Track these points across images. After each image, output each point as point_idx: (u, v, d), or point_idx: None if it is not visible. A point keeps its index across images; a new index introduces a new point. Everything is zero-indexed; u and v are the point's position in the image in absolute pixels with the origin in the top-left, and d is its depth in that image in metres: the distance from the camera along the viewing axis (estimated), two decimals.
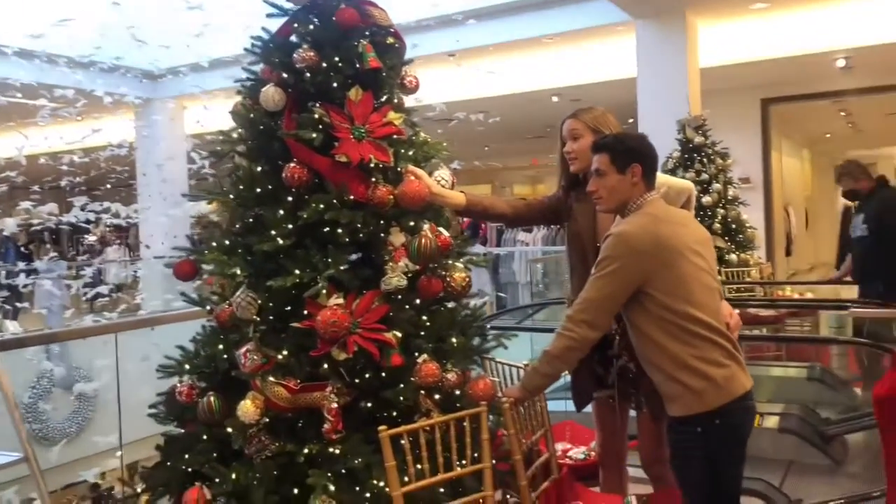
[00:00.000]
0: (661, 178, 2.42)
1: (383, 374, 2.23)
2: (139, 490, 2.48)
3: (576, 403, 2.66)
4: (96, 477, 6.40)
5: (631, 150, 2.25)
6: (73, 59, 6.37)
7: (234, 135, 2.45)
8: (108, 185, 7.98)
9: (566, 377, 2.68)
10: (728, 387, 2.11)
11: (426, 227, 2.30)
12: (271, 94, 2.31)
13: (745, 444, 2.21)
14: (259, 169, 2.37)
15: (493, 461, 2.23)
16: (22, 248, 11.23)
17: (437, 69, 7.63)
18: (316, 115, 2.26)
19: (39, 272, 7.45)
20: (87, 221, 6.80)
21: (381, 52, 2.37)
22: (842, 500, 3.72)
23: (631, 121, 6.80)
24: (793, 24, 7.23)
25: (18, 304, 7.88)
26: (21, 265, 8.16)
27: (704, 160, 6.29)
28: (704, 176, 6.25)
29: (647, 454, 2.61)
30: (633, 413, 2.68)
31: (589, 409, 2.73)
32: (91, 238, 10.23)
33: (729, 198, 6.43)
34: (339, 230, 2.24)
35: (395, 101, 2.45)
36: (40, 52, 6.27)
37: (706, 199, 6.20)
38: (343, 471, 2.15)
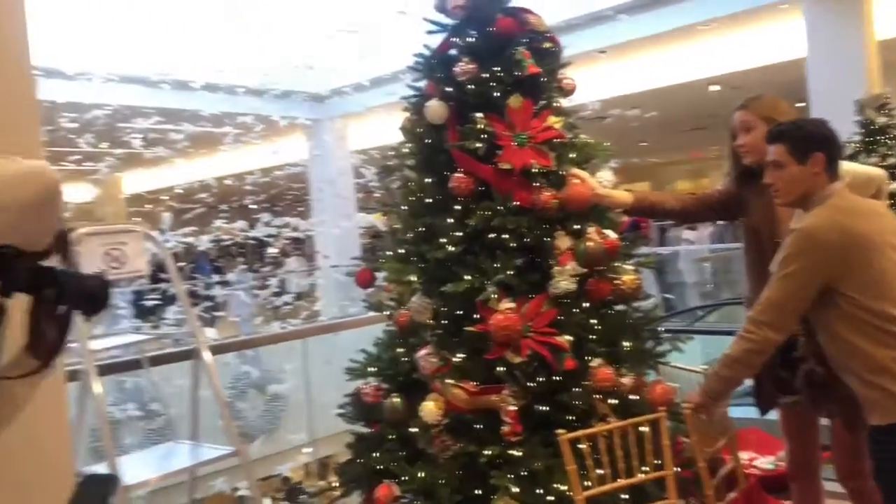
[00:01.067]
0: (845, 166, 2.23)
1: (557, 378, 2.26)
2: (334, 484, 2.67)
3: (759, 408, 2.52)
4: (289, 471, 6.91)
5: (811, 138, 2.09)
6: (250, 88, 6.95)
7: (405, 149, 2.57)
8: (287, 202, 8.58)
9: (749, 382, 2.54)
10: None
11: (591, 229, 2.30)
12: (435, 108, 2.40)
13: None
14: (427, 180, 2.48)
15: (676, 468, 2.17)
16: (215, 263, 12.40)
17: (589, 68, 7.52)
18: (478, 126, 2.33)
19: (231, 283, 8.16)
20: (269, 236, 7.36)
21: (539, 57, 2.40)
22: None
23: (801, 105, 6.34)
24: None
25: (215, 314, 8.69)
26: (215, 278, 8.98)
27: (889, 142, 5.72)
28: (891, 160, 5.68)
29: (842, 467, 2.40)
30: (825, 421, 2.50)
31: (775, 415, 2.57)
32: (273, 251, 11.05)
33: None
34: (506, 236, 2.29)
35: (554, 104, 2.47)
36: (223, 85, 6.91)
37: (894, 186, 5.64)
38: (524, 473, 2.19)
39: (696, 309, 6.14)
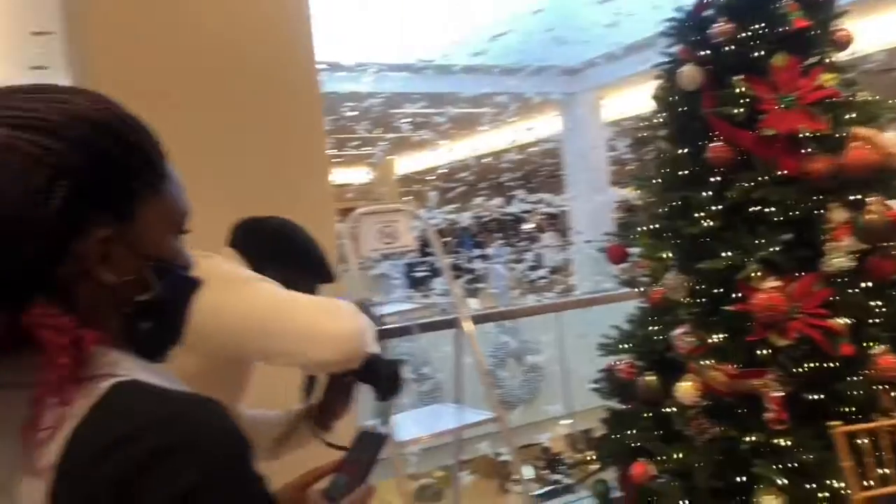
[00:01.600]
0: None
1: (830, 365, 2.05)
2: (589, 458, 2.70)
3: None
4: (548, 441, 7.10)
5: None
6: (505, 67, 7.13)
7: (656, 119, 2.49)
8: (541, 178, 8.70)
9: None
10: None
11: (873, 200, 2.03)
12: (689, 74, 2.28)
13: None
14: (681, 151, 2.37)
15: None
16: (475, 238, 13.01)
17: (871, 14, 6.54)
18: (737, 89, 2.17)
19: (490, 257, 8.51)
20: (525, 212, 7.54)
21: (808, 8, 2.17)
22: None
23: None
24: None
25: (476, 285, 9.13)
26: (476, 252, 9.42)
27: None
28: None
29: None
30: None
31: None
32: (528, 226, 11.29)
33: None
34: (770, 209, 2.12)
35: (827, 60, 2.22)
36: (481, 66, 7.16)
37: None
38: (792, 465, 2.04)
39: None
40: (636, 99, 7.55)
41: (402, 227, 2.69)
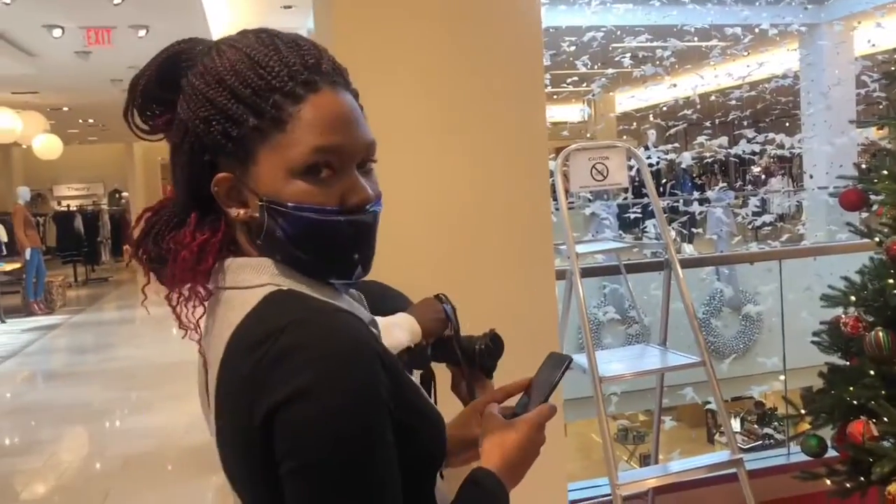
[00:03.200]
0: None
1: None
2: (802, 412, 2.58)
3: None
4: (760, 395, 6.75)
5: None
6: None
7: None
8: (773, 117, 8.04)
9: None
10: None
11: None
12: None
13: None
14: None
15: None
16: (696, 180, 12.40)
17: None
18: None
19: (710, 201, 8.08)
20: (753, 153, 7.04)
21: None
22: None
23: None
24: None
25: (693, 230, 8.75)
26: (695, 195, 9.00)
27: None
28: None
29: None
30: None
31: None
32: (756, 169, 10.53)
33: None
34: None
35: None
36: None
37: None
38: None
39: None
40: (892, 30, 6.64)
41: (614, 164, 2.67)
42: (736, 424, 9.69)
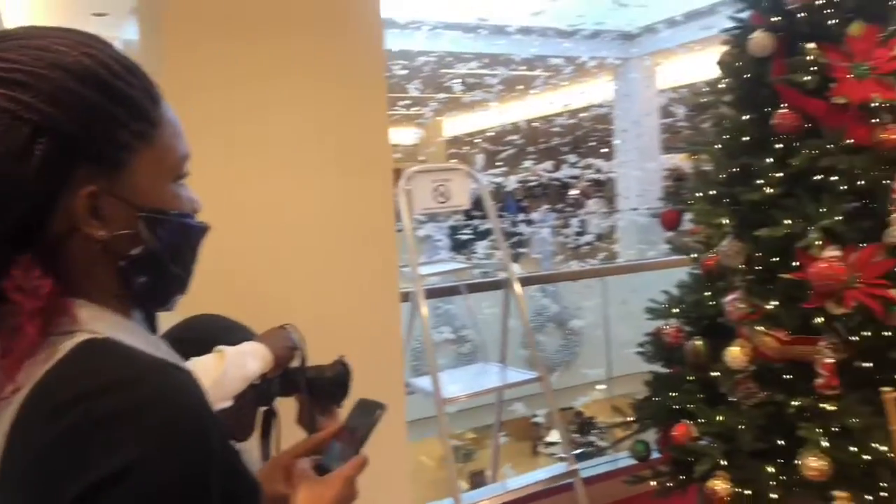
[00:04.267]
0: None
1: (885, 334, 2.06)
2: (630, 419, 2.74)
3: None
4: (583, 406, 7.15)
5: None
6: (561, 30, 7.04)
7: (721, 85, 2.47)
8: (591, 144, 8.62)
9: None
10: None
11: None
12: (760, 40, 2.26)
13: None
14: (745, 117, 2.36)
15: None
16: (520, 203, 12.98)
17: None
18: (809, 57, 2.15)
19: (535, 222, 8.50)
20: (572, 177, 7.51)
21: None
22: None
23: None
24: None
25: (519, 250, 9.14)
26: (521, 216, 9.41)
27: None
28: None
29: None
30: None
31: None
32: (574, 192, 11.22)
33: None
34: (834, 178, 2.11)
35: None
36: (536, 28, 7.08)
37: None
38: (836, 429, 2.07)
39: None
40: (695, 65, 7.40)
41: (456, 186, 2.73)
42: (557, 435, 10.11)
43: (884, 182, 2.07)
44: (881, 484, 2.02)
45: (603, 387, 6.40)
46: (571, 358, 7.28)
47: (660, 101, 8.24)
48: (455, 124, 12.65)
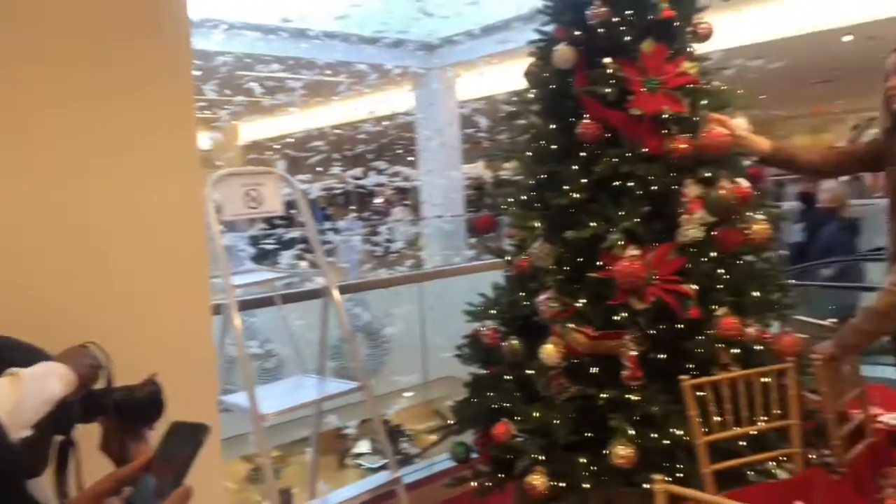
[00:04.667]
0: None
1: (679, 326, 2.25)
2: (450, 422, 2.77)
3: None
4: (394, 413, 7.18)
5: None
6: (365, 36, 7.05)
7: (529, 95, 2.57)
8: (397, 151, 8.72)
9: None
10: None
11: (723, 178, 2.25)
12: (563, 53, 2.39)
13: None
14: (552, 126, 2.47)
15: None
16: (325, 211, 12.83)
17: (711, 16, 7.16)
18: (609, 70, 2.30)
19: (341, 231, 8.43)
20: (379, 185, 7.53)
21: (674, 1, 2.33)
22: None
23: None
24: None
25: (327, 259, 9.00)
26: (327, 225, 9.29)
27: None
28: None
29: None
30: None
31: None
32: (379, 200, 11.29)
33: None
34: (632, 183, 2.27)
35: (689, 49, 2.41)
36: (340, 33, 7.03)
37: None
38: (641, 417, 2.22)
39: (816, 265, 5.88)
40: (494, 78, 7.75)
41: (269, 191, 2.60)
42: (366, 445, 10.05)
43: (674, 187, 2.27)
44: (678, 466, 2.20)
45: (410, 394, 6.47)
46: (379, 366, 7.29)
47: (461, 111, 8.52)
48: (254, 129, 12.21)
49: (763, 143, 2.42)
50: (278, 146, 8.89)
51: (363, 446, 9.89)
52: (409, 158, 9.36)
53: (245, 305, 2.94)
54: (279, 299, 3.04)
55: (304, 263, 7.07)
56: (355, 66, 7.16)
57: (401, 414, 8.57)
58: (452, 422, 2.78)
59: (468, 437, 2.78)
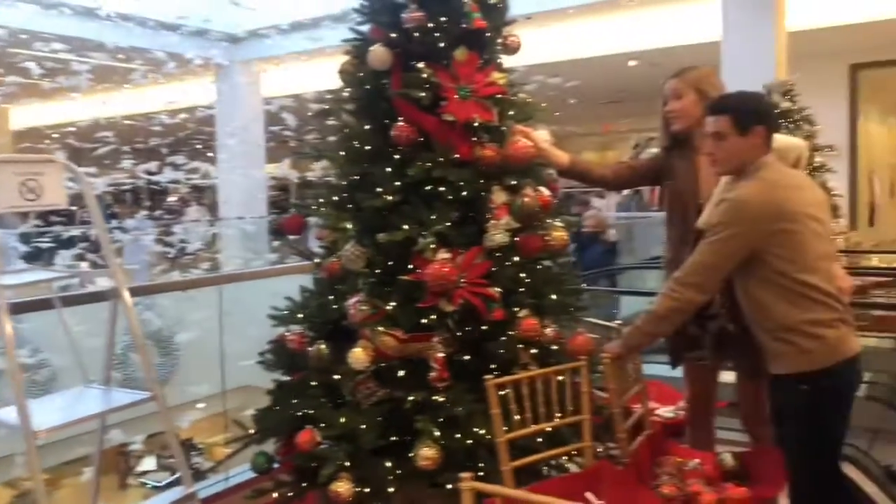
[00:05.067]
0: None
1: (484, 328, 2.32)
2: (251, 431, 2.63)
3: (671, 362, 2.70)
4: (188, 426, 6.74)
5: (754, 112, 2.21)
6: (164, 22, 6.58)
7: (344, 93, 2.53)
8: (196, 146, 8.25)
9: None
10: (838, 348, 2.12)
11: (527, 186, 2.35)
12: (379, 54, 2.37)
13: (849, 405, 2.21)
14: (367, 127, 2.45)
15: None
16: (111, 209, 11.80)
17: (516, 32, 7.57)
18: (423, 75, 2.32)
19: (128, 230, 7.80)
20: (174, 181, 7.08)
21: (486, 11, 2.41)
22: None
23: None
24: None
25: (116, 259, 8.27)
26: (114, 223, 8.56)
27: (791, 126, 6.09)
28: None
29: (747, 414, 2.63)
30: (727, 377, 2.71)
31: (678, 370, 2.76)
32: (173, 198, 10.62)
33: (815, 164, 6.24)
34: (444, 188, 2.31)
35: (498, 60, 2.49)
36: (135, 16, 6.50)
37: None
38: (445, 419, 2.25)
39: (602, 272, 6.41)
40: (302, 76, 7.58)
41: (49, 181, 2.33)
42: (151, 462, 9.39)
43: (483, 193, 2.33)
44: (480, 465, 2.25)
45: (203, 405, 6.11)
46: (169, 376, 6.83)
47: (267, 108, 8.24)
48: (30, 114, 10.96)
49: (563, 157, 2.58)
50: (58, 134, 8.05)
51: (148, 463, 9.21)
52: (209, 155, 8.89)
53: (18, 309, 2.60)
54: (59, 302, 2.73)
55: (84, 264, 6.46)
56: (152, 53, 6.66)
57: (193, 426, 8.09)
58: (253, 431, 2.66)
59: (270, 446, 2.67)
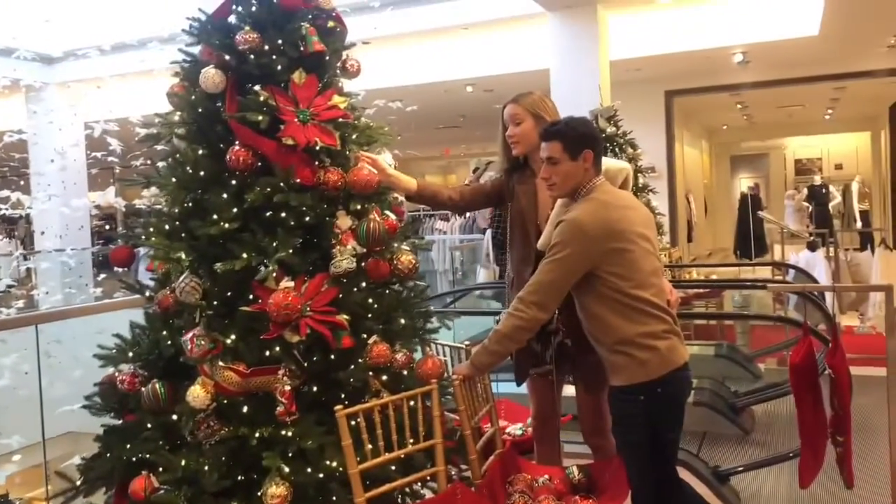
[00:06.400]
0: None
1: (332, 357, 2.25)
2: (76, 484, 2.40)
3: (516, 380, 2.76)
4: (1, 483, 6.04)
5: (583, 137, 2.34)
6: None
7: (175, 117, 2.40)
8: (5, 174, 7.50)
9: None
10: (670, 357, 2.26)
11: (372, 210, 2.33)
12: (212, 76, 2.27)
13: (682, 411, 2.37)
14: (200, 152, 2.33)
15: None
16: None
17: (356, 55, 7.60)
18: (261, 98, 2.24)
19: None
20: None
21: (324, 35, 2.38)
22: (753, 464, 4.00)
23: None
24: (695, 20, 7.64)
25: None
26: None
27: (616, 149, 6.53)
28: None
29: (587, 426, 2.73)
30: (569, 391, 2.81)
31: (523, 387, 2.83)
32: None
33: (640, 185, 6.70)
34: (286, 214, 2.23)
35: (338, 84, 2.47)
36: None
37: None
38: (294, 453, 2.16)
39: (446, 294, 6.50)
40: (125, 99, 7.10)
41: None
42: None
43: (327, 218, 2.28)
44: (333, 498, 2.18)
45: (18, 457, 5.52)
46: None
47: (88, 132, 7.67)
48: None
49: (410, 182, 2.59)
50: None
51: None
52: (22, 183, 8.13)
53: None
54: None
55: None
56: None
57: (8, 481, 7.28)
58: (79, 483, 2.42)
59: (100, 498, 2.45)
